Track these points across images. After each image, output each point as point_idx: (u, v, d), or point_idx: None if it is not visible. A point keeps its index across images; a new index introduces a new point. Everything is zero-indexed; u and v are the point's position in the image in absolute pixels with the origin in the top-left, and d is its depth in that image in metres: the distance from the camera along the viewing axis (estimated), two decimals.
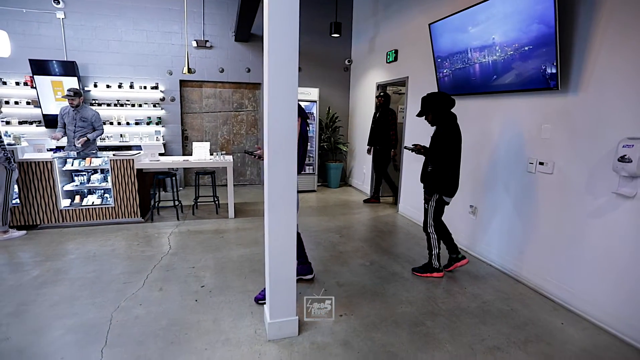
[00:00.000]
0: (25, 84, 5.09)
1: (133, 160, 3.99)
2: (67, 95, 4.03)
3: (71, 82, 5.09)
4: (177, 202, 4.44)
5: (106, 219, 4.04)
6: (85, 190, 4.14)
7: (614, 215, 2.18)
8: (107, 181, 4.10)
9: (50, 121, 5.18)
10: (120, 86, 5.50)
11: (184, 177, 6.15)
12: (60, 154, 4.03)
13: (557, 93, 2.52)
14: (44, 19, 5.07)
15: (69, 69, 5.11)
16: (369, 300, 2.50)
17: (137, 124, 5.67)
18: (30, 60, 4.91)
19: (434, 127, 2.79)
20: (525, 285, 2.77)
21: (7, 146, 3.46)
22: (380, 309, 2.38)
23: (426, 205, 2.77)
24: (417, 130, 4.29)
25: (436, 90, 3.43)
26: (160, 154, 4.56)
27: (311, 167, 6.07)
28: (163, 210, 4.63)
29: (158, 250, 3.32)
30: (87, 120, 4.19)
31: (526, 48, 2.57)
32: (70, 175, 4.16)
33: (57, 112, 5.10)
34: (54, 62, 5.05)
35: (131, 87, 5.55)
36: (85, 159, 4.01)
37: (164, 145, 5.79)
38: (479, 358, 1.92)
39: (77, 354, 1.88)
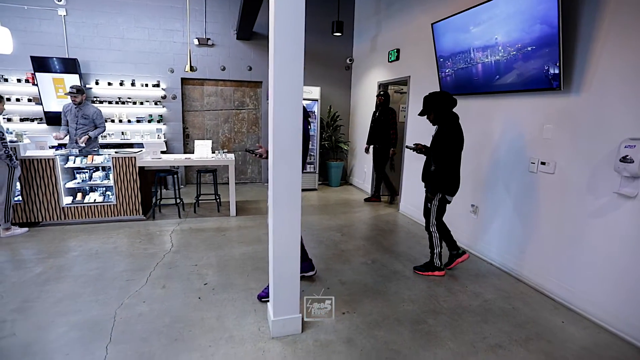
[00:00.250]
0: (27, 81, 5.08)
1: (135, 157, 3.99)
2: (69, 92, 4.03)
3: (73, 80, 5.09)
4: (178, 200, 4.44)
5: (108, 216, 4.05)
6: (87, 188, 4.15)
7: (615, 215, 2.20)
8: (108, 179, 4.11)
9: (51, 118, 5.18)
10: (121, 84, 5.50)
11: (185, 175, 6.16)
12: (62, 151, 4.04)
13: (560, 93, 2.53)
14: (45, 15, 5.06)
15: (70, 66, 5.10)
16: (371, 298, 2.52)
17: (138, 121, 5.67)
18: (32, 57, 4.91)
19: (435, 127, 2.80)
20: (526, 284, 2.79)
21: (9, 143, 3.46)
22: (383, 307, 2.40)
23: (429, 204, 2.78)
24: (419, 130, 4.30)
25: (438, 90, 3.44)
26: (162, 152, 4.56)
27: (312, 165, 6.08)
28: (164, 208, 4.64)
29: (160, 248, 3.33)
30: (89, 118, 4.19)
31: (529, 48, 2.58)
32: (72, 173, 4.16)
33: (58, 110, 5.11)
34: (56, 59, 5.04)
35: (133, 84, 5.55)
36: (87, 156, 4.01)
37: (165, 143, 5.79)
38: (480, 356, 1.94)
39: (82, 350, 1.89)
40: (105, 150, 4.27)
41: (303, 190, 6.56)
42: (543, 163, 2.68)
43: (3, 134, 3.30)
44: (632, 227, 2.10)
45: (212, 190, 5.28)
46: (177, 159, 4.41)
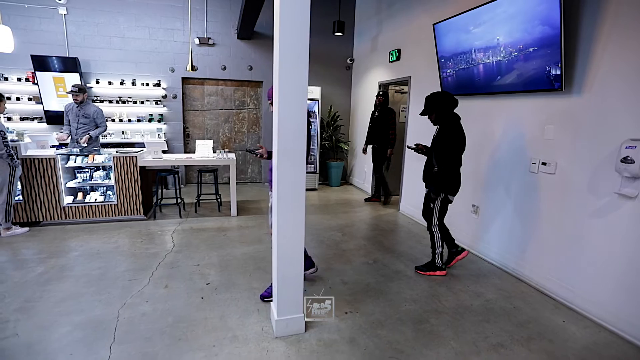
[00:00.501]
0: (27, 80, 5.07)
1: (136, 157, 3.99)
2: (71, 90, 4.02)
3: (73, 79, 5.07)
4: (179, 200, 4.44)
5: (109, 216, 4.04)
6: (88, 187, 4.14)
7: (615, 215, 2.21)
8: (109, 178, 4.11)
9: (51, 117, 5.16)
10: (122, 83, 5.49)
11: (185, 174, 6.15)
12: (63, 150, 4.03)
13: (561, 94, 2.55)
14: (46, 14, 5.05)
15: (71, 65, 5.09)
16: (373, 298, 2.53)
17: (138, 121, 5.66)
18: (32, 56, 4.89)
19: (436, 127, 2.81)
20: (527, 284, 2.81)
21: (10, 142, 3.45)
22: (385, 307, 2.41)
23: (431, 204, 2.79)
24: (419, 130, 4.31)
25: (439, 90, 3.45)
26: (163, 152, 4.56)
27: (312, 165, 6.08)
28: (165, 207, 4.64)
29: (162, 248, 3.33)
30: (90, 117, 4.18)
31: (530, 49, 2.59)
32: (73, 172, 4.16)
33: (59, 109, 5.11)
34: (56, 58, 5.02)
35: (133, 84, 5.54)
36: (88, 155, 4.01)
37: (166, 142, 5.78)
38: (483, 355, 1.95)
39: (85, 350, 1.89)
40: (106, 149, 4.26)
41: None
42: (544, 163, 2.69)
43: (4, 133, 3.29)
44: (633, 227, 2.11)
45: (212, 190, 5.28)
46: (178, 158, 4.41)
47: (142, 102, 5.61)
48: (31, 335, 2.00)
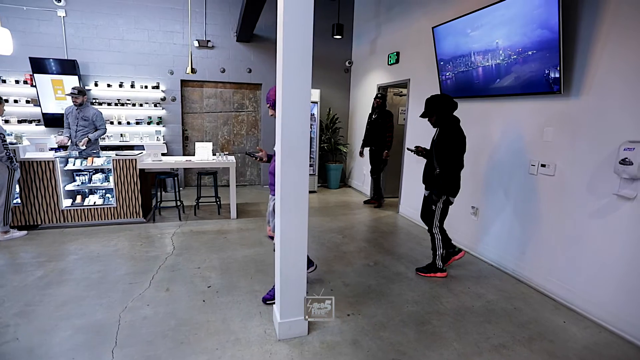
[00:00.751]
0: (25, 82, 5.04)
1: (136, 160, 3.97)
2: (71, 92, 4.01)
3: (72, 81, 5.06)
4: (179, 203, 4.43)
5: (108, 219, 4.02)
6: (87, 190, 4.12)
7: (614, 216, 2.24)
8: (108, 181, 4.09)
9: (49, 120, 5.14)
10: (121, 85, 5.48)
11: (184, 177, 6.14)
12: (62, 153, 4.01)
13: (560, 97, 2.58)
14: (44, 16, 5.03)
15: (69, 67, 5.07)
16: (375, 299, 2.54)
17: (137, 123, 5.65)
18: (31, 59, 4.87)
19: (435, 130, 2.83)
20: (527, 285, 2.83)
21: (9, 145, 3.43)
22: (387, 309, 2.41)
23: (433, 206, 2.80)
24: (419, 132, 4.33)
25: (438, 93, 3.48)
26: (162, 154, 4.55)
27: (311, 167, 6.09)
28: (164, 210, 4.62)
29: (162, 251, 3.31)
30: (89, 120, 4.16)
31: (530, 52, 2.62)
32: (72, 175, 4.14)
33: (57, 111, 5.10)
34: (55, 60, 5.01)
35: (132, 86, 5.53)
36: (87, 158, 3.99)
37: (165, 145, 5.77)
38: (485, 356, 1.96)
39: (88, 354, 1.88)
40: (104, 152, 4.24)
41: None
42: (543, 165, 2.72)
43: (4, 136, 3.27)
44: (632, 227, 2.14)
45: (210, 192, 5.27)
46: (178, 161, 4.40)
47: (140, 105, 5.60)
48: (32, 340, 1.98)
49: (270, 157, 2.46)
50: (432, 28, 3.67)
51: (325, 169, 6.48)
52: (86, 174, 4.08)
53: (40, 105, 5.07)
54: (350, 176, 6.75)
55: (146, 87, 5.59)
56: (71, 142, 4.21)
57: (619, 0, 2.20)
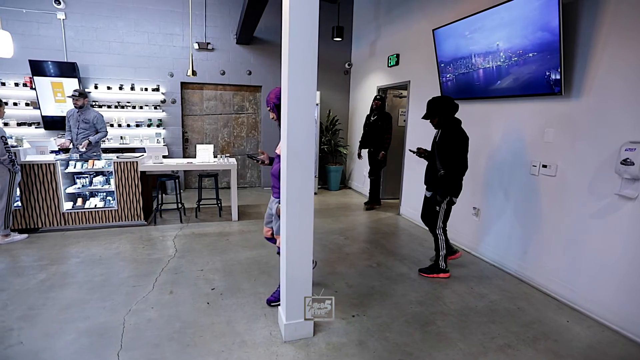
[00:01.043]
0: (25, 85, 5.03)
1: (137, 162, 3.97)
2: (72, 95, 4.00)
3: (71, 84, 5.05)
4: (180, 205, 4.42)
5: (109, 221, 4.01)
6: (88, 193, 4.11)
7: (616, 216, 2.26)
8: (109, 183, 4.08)
9: (49, 123, 5.12)
10: (121, 88, 5.47)
11: (184, 179, 6.13)
12: (63, 156, 4.00)
13: (560, 98, 2.60)
14: (44, 19, 5.03)
15: (69, 70, 5.06)
16: (379, 300, 2.54)
17: (137, 126, 5.64)
18: (30, 61, 4.86)
19: (436, 131, 2.85)
20: (529, 285, 2.84)
21: (10, 148, 3.42)
22: (391, 309, 2.42)
23: (437, 207, 2.82)
24: (419, 134, 4.36)
25: (439, 94, 3.51)
26: (163, 157, 4.54)
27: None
28: (165, 213, 4.61)
29: (164, 253, 3.31)
30: (89, 122, 4.15)
31: (530, 54, 2.65)
32: (72, 178, 4.12)
33: (56, 114, 5.08)
34: (54, 63, 5.00)
35: (132, 89, 5.52)
36: (87, 161, 3.98)
37: (166, 147, 5.76)
38: (490, 356, 1.97)
39: (93, 358, 1.87)
40: (105, 155, 4.23)
41: None
42: (544, 166, 2.74)
43: (6, 139, 3.26)
44: (633, 227, 2.16)
45: (211, 194, 5.27)
46: (179, 163, 4.40)
47: (141, 107, 5.59)
48: (36, 343, 1.97)
49: (272, 160, 2.46)
50: (433, 30, 3.70)
51: (326, 170, 6.49)
52: (87, 177, 4.07)
53: (39, 108, 5.05)
54: (350, 178, 6.76)
55: (146, 89, 5.59)
56: (73, 145, 4.20)
57: (618, 1, 2.23)
